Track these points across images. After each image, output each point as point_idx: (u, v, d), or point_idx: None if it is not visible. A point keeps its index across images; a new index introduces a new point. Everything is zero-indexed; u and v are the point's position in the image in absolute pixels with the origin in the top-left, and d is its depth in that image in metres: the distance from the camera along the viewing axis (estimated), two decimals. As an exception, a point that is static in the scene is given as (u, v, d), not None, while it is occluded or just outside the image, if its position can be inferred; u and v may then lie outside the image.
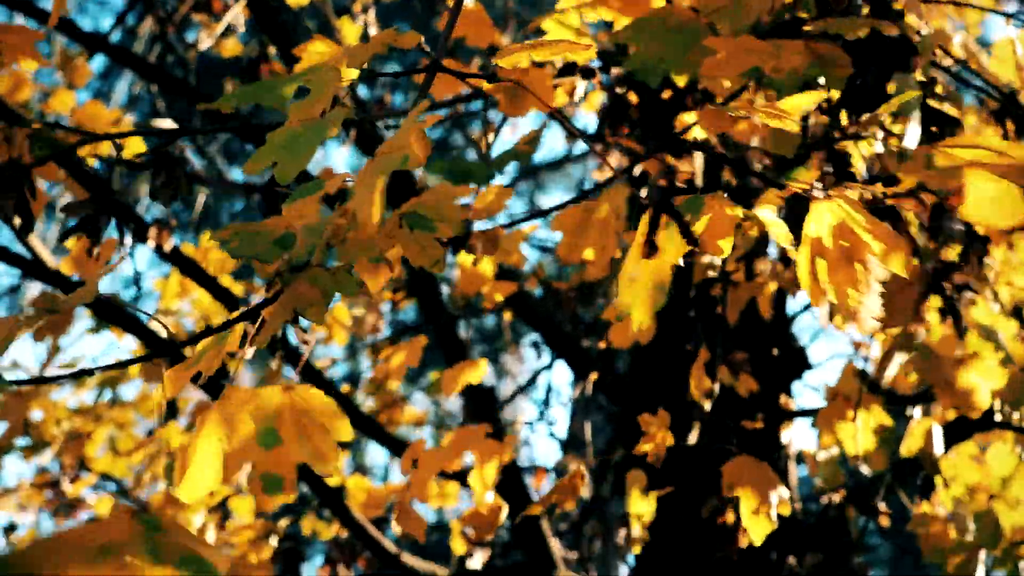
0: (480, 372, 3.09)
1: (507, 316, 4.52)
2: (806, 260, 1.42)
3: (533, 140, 2.05)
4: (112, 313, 3.36)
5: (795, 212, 1.83)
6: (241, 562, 4.24)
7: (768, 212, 1.40)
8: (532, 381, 4.55)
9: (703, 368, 3.07)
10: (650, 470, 3.53)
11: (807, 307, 4.35)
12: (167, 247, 2.94)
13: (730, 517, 2.95)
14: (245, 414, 1.23)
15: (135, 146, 2.77)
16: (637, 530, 3.04)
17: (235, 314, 1.26)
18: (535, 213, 2.05)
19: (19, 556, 1.01)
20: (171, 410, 3.58)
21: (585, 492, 5.24)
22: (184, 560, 1.05)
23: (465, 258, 2.87)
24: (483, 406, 4.09)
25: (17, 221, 1.66)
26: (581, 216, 2.15)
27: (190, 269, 3.60)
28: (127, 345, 4.58)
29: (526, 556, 4.27)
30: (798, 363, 4.19)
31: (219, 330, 1.22)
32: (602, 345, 3.90)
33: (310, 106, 1.35)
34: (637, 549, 3.12)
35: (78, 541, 1.04)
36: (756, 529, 2.62)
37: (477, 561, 4.96)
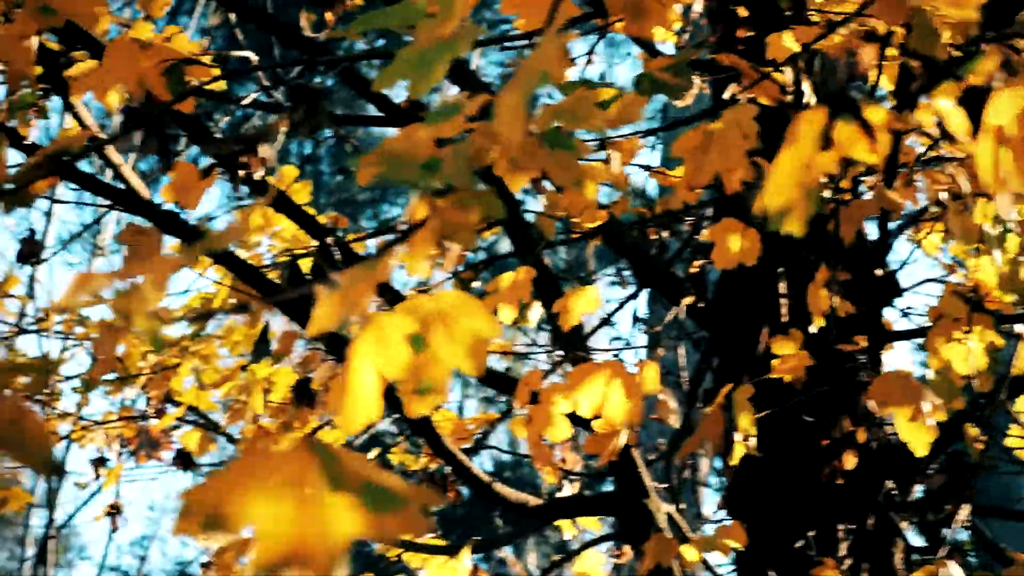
0: (592, 300, 3.05)
1: (592, 244, 4.49)
2: (987, 149, 1.38)
3: (678, 67, 2.02)
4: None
5: (970, 104, 1.77)
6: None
7: (946, 102, 1.37)
8: (617, 310, 4.52)
9: (821, 286, 3.02)
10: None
11: (901, 229, 4.28)
12: (257, 177, 2.91)
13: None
14: (398, 334, 1.21)
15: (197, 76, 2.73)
16: (740, 449, 2.99)
17: (382, 241, 1.24)
18: (649, 132, 2.02)
19: (199, 491, 1.00)
20: (265, 344, 3.57)
21: (674, 421, 5.21)
22: (366, 489, 1.04)
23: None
24: (572, 336, 4.07)
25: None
26: (702, 138, 2.11)
27: (278, 200, 3.57)
28: (210, 279, 4.57)
29: (617, 486, 4.25)
30: (890, 288, 4.13)
31: (369, 259, 1.19)
32: (693, 269, 3.86)
33: (438, 25, 1.33)
34: (735, 461, 3.08)
35: (258, 475, 1.03)
36: (918, 439, 2.59)
37: (567, 491, 4.96)
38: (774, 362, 2.96)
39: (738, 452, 3.02)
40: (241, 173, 2.97)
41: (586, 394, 2.63)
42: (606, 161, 1.96)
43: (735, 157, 2.17)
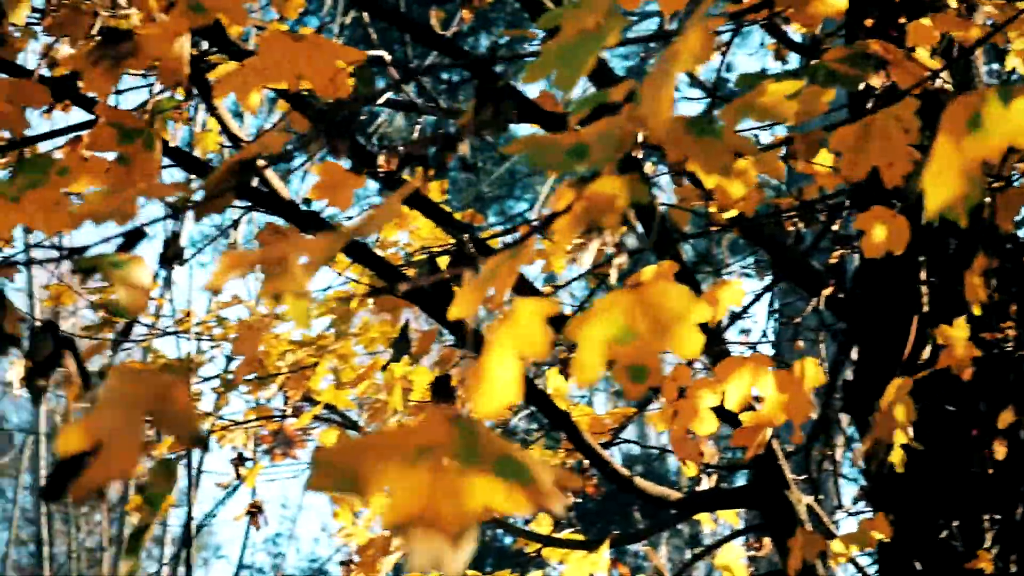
0: (738, 293, 3.03)
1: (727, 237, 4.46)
2: None
3: (854, 57, 2.00)
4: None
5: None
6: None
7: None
8: (752, 303, 4.47)
9: (977, 275, 2.97)
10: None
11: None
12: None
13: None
14: (537, 317, 1.22)
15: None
16: (900, 438, 2.95)
17: (524, 228, 1.24)
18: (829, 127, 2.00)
19: (336, 451, 1.02)
20: (404, 342, 3.58)
21: (812, 413, 5.16)
22: (500, 463, 1.04)
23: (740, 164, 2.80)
24: (708, 330, 4.04)
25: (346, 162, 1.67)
26: (860, 132, 2.09)
27: (415, 198, 3.60)
28: (348, 277, 4.61)
29: (755, 477, 4.22)
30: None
31: (511, 246, 1.19)
32: (832, 260, 3.81)
33: (584, 17, 1.33)
34: (897, 459, 3.03)
35: (395, 443, 1.04)
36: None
37: (705, 485, 4.94)
38: (942, 353, 2.91)
39: (897, 445, 2.99)
40: (382, 171, 3.00)
41: (734, 388, 2.62)
42: (742, 156, 1.94)
43: (895, 151, 2.14)
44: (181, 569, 12.54)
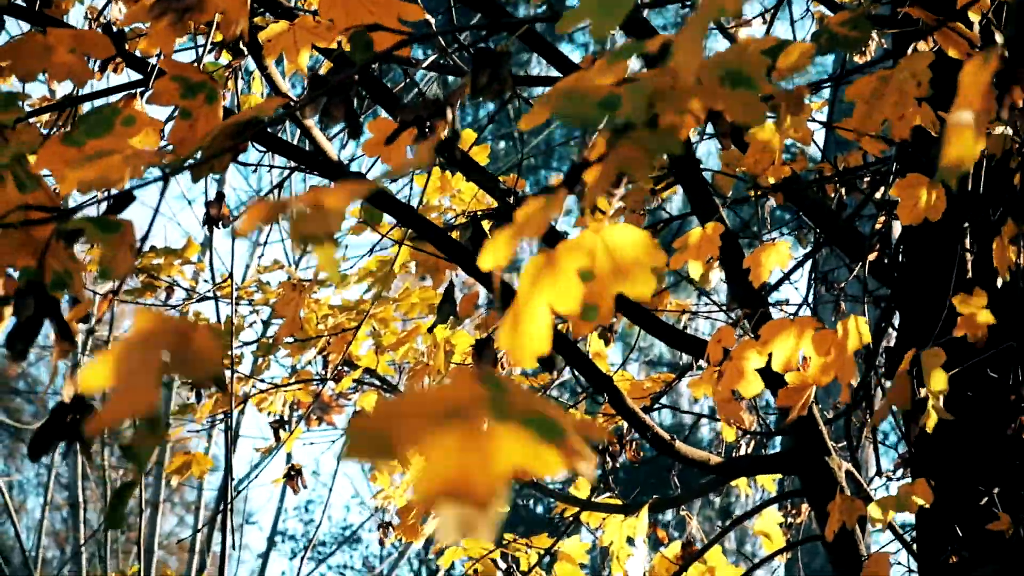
0: (784, 255, 3.04)
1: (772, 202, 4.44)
2: None
3: (856, 20, 2.00)
4: (385, 203, 3.38)
5: None
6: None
7: None
8: (796, 268, 4.47)
9: (1007, 242, 2.96)
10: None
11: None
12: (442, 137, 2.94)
13: None
14: (570, 268, 1.22)
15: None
16: (933, 413, 2.94)
17: (557, 179, 1.25)
18: (833, 78, 1.99)
19: (369, 418, 1.02)
20: (450, 304, 3.59)
21: (853, 380, 5.15)
22: (531, 421, 1.04)
23: (760, 129, 2.80)
24: (750, 293, 4.04)
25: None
26: (877, 84, 2.08)
27: (461, 162, 3.60)
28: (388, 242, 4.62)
29: (795, 443, 4.22)
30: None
31: (546, 192, 1.20)
32: (878, 225, 3.80)
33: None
34: (929, 426, 3.03)
35: (426, 403, 1.04)
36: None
37: (743, 448, 4.94)
38: (958, 320, 2.91)
39: (931, 417, 2.98)
40: (426, 133, 3.00)
41: (780, 348, 2.62)
42: (779, 119, 1.94)
43: (907, 104, 2.13)
44: (216, 534, 12.62)
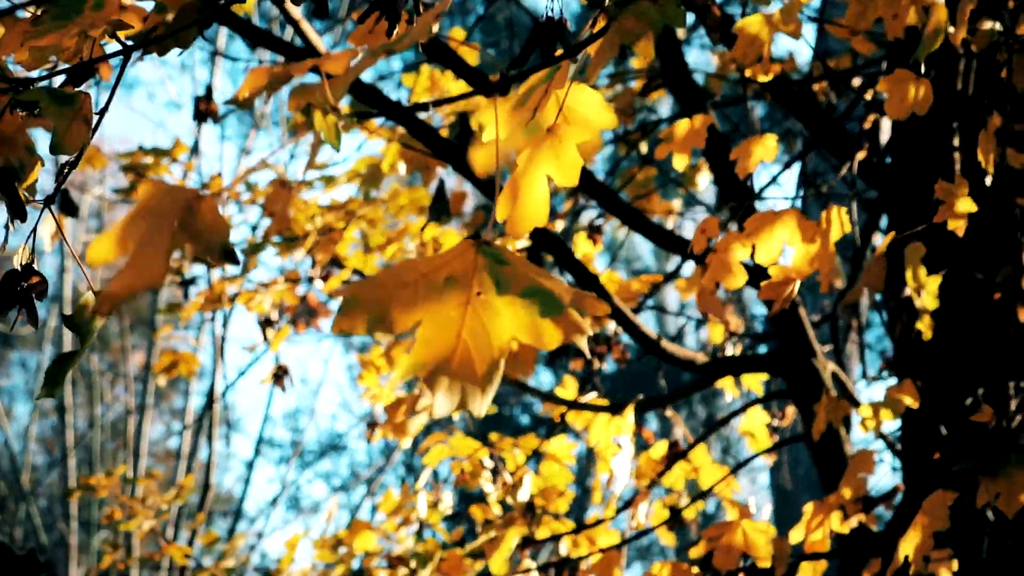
0: (771, 148, 3.01)
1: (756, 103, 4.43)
2: None
3: None
4: (374, 100, 3.37)
5: None
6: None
7: None
8: (784, 169, 4.47)
9: (992, 135, 2.95)
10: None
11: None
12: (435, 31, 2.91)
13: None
14: (571, 145, 1.22)
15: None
16: (919, 302, 2.95)
17: (560, 51, 1.24)
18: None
19: (364, 287, 1.02)
20: (442, 202, 3.58)
21: (839, 283, 5.17)
22: (528, 291, 1.04)
23: (749, 21, 2.77)
24: (737, 187, 4.04)
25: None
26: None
27: (445, 57, 3.57)
28: (376, 146, 4.60)
29: (782, 344, 4.24)
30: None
31: (547, 65, 1.20)
32: (866, 125, 3.79)
33: None
34: (926, 330, 3.04)
35: (425, 272, 1.04)
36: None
37: (730, 350, 4.97)
38: (939, 209, 2.90)
39: (924, 320, 2.99)
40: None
41: (765, 241, 2.62)
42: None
43: (901, 1, 2.12)
44: (203, 439, 12.66)
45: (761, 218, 2.61)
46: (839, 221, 2.57)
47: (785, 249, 2.62)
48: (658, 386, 5.21)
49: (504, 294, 1.03)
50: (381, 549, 4.58)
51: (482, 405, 1.03)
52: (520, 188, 1.22)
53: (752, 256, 2.64)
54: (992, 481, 2.27)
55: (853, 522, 3.30)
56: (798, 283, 2.62)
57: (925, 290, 2.99)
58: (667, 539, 4.53)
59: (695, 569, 2.63)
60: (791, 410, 5.25)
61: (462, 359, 1.03)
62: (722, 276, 2.71)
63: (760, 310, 12.46)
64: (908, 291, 3.00)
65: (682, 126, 3.25)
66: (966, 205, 2.83)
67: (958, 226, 2.83)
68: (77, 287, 14.09)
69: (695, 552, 3.05)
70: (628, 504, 4.33)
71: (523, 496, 4.35)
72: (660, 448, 4.53)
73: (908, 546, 2.48)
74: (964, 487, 2.78)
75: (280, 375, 5.03)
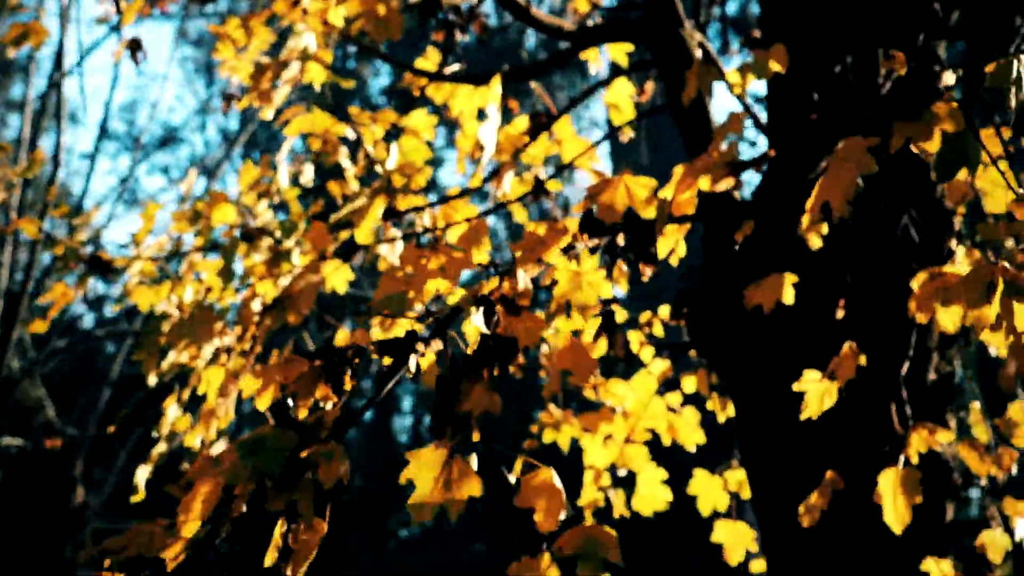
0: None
1: None
2: None
3: None
4: None
5: None
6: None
7: None
8: None
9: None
10: None
11: None
12: None
13: None
14: None
15: None
16: None
17: None
18: None
19: None
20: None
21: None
22: None
23: None
24: None
25: None
26: None
27: None
28: None
29: (648, 13, 4.18)
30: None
31: None
32: None
33: None
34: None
35: None
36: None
37: (595, 20, 4.90)
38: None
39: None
40: None
41: None
42: None
43: None
44: (44, 123, 12.32)
45: None
46: None
47: None
48: (522, 62, 5.15)
49: None
50: (240, 222, 4.51)
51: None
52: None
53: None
54: (907, 124, 2.26)
55: (722, 185, 3.32)
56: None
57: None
58: (520, 215, 4.55)
59: (572, 224, 2.61)
60: (650, 86, 5.23)
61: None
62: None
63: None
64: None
65: None
66: None
67: None
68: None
69: (576, 210, 3.04)
70: (493, 175, 4.31)
71: (391, 164, 4.30)
72: (523, 121, 4.49)
73: (825, 193, 2.46)
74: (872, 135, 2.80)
75: (133, 48, 4.86)
